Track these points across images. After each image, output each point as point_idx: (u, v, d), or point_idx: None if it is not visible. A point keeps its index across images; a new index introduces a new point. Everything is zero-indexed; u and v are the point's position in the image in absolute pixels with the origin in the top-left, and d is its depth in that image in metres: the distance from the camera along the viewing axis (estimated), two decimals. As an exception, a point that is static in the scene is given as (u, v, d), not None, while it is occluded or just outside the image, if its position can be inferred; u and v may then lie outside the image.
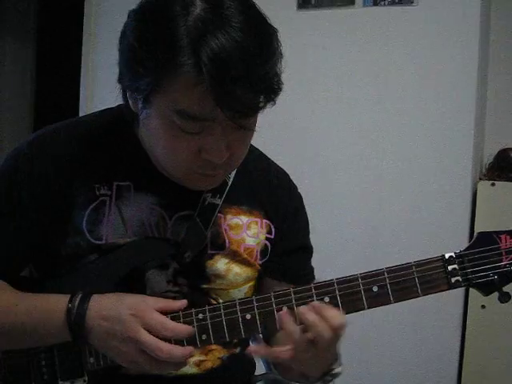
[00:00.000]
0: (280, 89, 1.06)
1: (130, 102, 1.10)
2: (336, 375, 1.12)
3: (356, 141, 2.57)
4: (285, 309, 1.05)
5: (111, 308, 1.06)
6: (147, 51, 0.99)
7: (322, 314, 1.01)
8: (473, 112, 2.44)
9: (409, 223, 2.49)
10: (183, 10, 0.98)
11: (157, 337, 1.03)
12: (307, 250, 1.36)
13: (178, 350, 1.04)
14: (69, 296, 1.09)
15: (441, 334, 2.44)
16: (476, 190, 2.45)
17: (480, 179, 2.55)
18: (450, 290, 2.38)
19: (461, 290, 2.38)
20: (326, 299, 1.04)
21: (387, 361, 2.50)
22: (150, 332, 1.03)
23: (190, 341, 1.07)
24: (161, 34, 0.98)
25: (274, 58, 1.03)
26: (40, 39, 3.82)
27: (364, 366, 2.49)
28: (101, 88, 2.89)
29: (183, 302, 1.09)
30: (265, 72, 1.00)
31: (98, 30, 2.90)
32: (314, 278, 1.34)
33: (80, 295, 1.09)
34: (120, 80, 1.11)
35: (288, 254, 1.31)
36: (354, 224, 2.56)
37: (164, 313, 1.07)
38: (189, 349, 1.05)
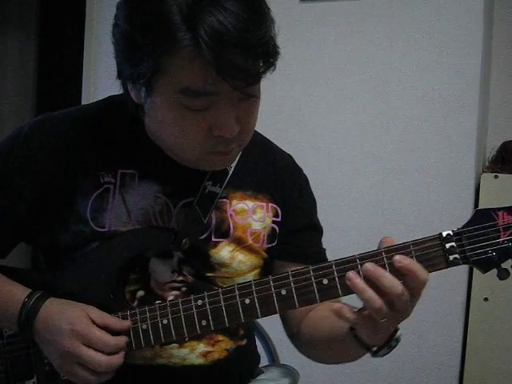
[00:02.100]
0: (277, 52, 1.06)
1: (133, 94, 1.10)
2: (399, 339, 1.09)
3: (359, 134, 2.56)
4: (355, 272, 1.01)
5: (55, 318, 1.08)
6: (142, 34, 1.00)
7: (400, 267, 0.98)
8: (476, 104, 2.43)
9: (412, 215, 2.47)
10: None
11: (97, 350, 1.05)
12: (316, 229, 1.36)
13: (115, 360, 1.06)
14: (29, 291, 1.12)
15: (443, 327, 2.42)
16: (479, 183, 2.43)
17: (483, 172, 2.53)
18: (453, 282, 2.37)
19: (464, 283, 2.38)
20: (325, 281, 1.04)
21: (388, 354, 2.48)
22: (90, 347, 1.05)
23: (190, 331, 1.09)
24: (153, 15, 0.99)
25: (267, 22, 1.03)
26: (42, 33, 3.81)
27: (365, 359, 2.47)
28: (103, 82, 2.89)
29: (126, 324, 1.10)
30: (260, 37, 1.00)
31: (100, 24, 2.89)
32: (326, 259, 1.32)
33: (38, 293, 1.11)
34: (119, 74, 1.11)
35: (296, 234, 1.31)
36: (357, 218, 2.55)
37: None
38: (123, 354, 1.08)
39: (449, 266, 1.01)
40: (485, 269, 1.01)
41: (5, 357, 1.16)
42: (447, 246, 1.01)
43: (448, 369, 2.41)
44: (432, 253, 1.01)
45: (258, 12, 1.01)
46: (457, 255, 1.01)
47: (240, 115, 1.07)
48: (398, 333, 1.09)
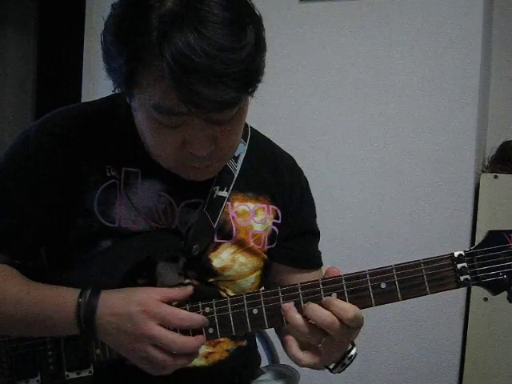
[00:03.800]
0: (257, 81, 1.00)
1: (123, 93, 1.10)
2: (353, 357, 1.12)
3: (358, 134, 2.56)
4: (292, 303, 1.05)
5: (121, 305, 1.07)
6: (118, 46, 0.99)
7: (332, 309, 1.02)
8: (475, 104, 2.43)
9: (411, 216, 2.48)
10: (157, 2, 0.95)
11: (170, 329, 1.05)
12: (313, 233, 1.37)
13: (191, 341, 1.06)
14: (78, 290, 1.10)
15: (443, 327, 2.44)
16: (479, 183, 2.44)
17: (483, 172, 2.54)
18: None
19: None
20: (334, 295, 1.05)
21: (388, 354, 2.50)
22: (163, 325, 1.05)
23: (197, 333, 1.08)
24: (132, 28, 0.97)
25: (247, 50, 0.96)
26: (41, 31, 3.80)
27: (365, 358, 2.50)
28: (103, 81, 2.83)
29: (189, 290, 1.11)
30: (232, 66, 0.94)
31: (100, 24, 2.81)
32: (321, 263, 1.35)
33: (90, 290, 1.10)
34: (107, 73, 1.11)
35: (295, 238, 1.31)
36: (356, 217, 2.56)
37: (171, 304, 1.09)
38: (201, 338, 1.07)
39: (459, 287, 1.03)
40: (495, 291, 1.02)
41: (10, 354, 1.16)
42: (459, 266, 1.02)
43: (448, 368, 2.43)
44: (443, 272, 1.03)
45: (238, 40, 0.95)
46: (468, 276, 1.02)
47: (217, 135, 1.04)
48: (353, 351, 1.12)
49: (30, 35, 3.73)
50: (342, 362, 1.11)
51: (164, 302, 1.07)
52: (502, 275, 1.00)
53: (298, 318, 1.03)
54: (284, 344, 1.08)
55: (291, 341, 1.06)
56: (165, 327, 1.05)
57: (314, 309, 1.03)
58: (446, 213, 2.43)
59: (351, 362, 1.12)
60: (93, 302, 1.08)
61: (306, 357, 1.05)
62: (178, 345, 1.04)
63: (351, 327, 1.02)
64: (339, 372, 1.13)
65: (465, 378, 2.41)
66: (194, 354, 1.08)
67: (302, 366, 1.07)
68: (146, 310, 1.05)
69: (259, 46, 1.00)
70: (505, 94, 2.72)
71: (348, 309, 1.02)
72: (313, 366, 1.09)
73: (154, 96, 0.98)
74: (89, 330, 1.08)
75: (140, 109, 1.05)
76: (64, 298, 1.11)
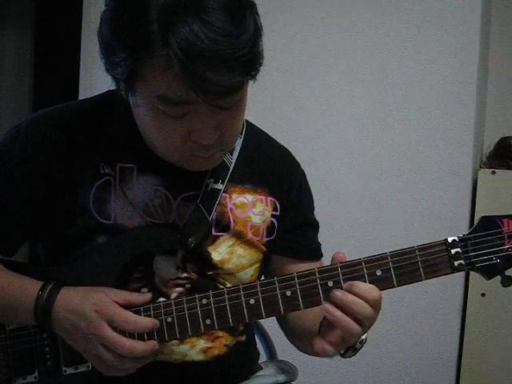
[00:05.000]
0: (259, 64, 1.03)
1: (122, 91, 1.10)
2: (364, 341, 1.14)
3: (356, 130, 2.56)
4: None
5: (77, 302, 1.09)
6: (119, 40, 0.99)
7: (356, 293, 1.03)
8: (473, 100, 2.43)
9: (410, 211, 2.48)
10: None
11: (121, 332, 1.06)
12: (313, 225, 1.38)
13: (139, 346, 1.06)
14: (41, 283, 1.12)
15: (441, 323, 2.44)
16: (476, 179, 2.44)
17: (480, 167, 2.54)
18: (451, 278, 2.38)
19: (461, 278, 2.39)
20: (330, 283, 1.05)
21: (386, 349, 2.49)
22: (114, 327, 1.06)
23: (194, 330, 1.09)
24: (132, 22, 0.97)
25: (248, 35, 0.99)
26: (39, 28, 3.79)
27: (362, 353, 2.49)
28: (100, 79, 2.83)
29: (148, 296, 1.12)
30: (236, 50, 0.96)
31: (98, 19, 2.83)
32: (321, 254, 1.36)
33: (51, 284, 1.12)
34: (107, 71, 1.11)
35: (295, 230, 1.32)
36: (354, 213, 2.56)
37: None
38: (151, 344, 1.08)
39: (454, 272, 1.03)
40: (489, 275, 1.03)
41: (7, 351, 1.16)
42: (452, 251, 1.03)
43: (445, 363, 2.43)
44: (437, 258, 1.03)
45: (239, 24, 0.97)
46: (462, 261, 1.03)
47: (221, 122, 1.06)
48: (364, 336, 1.12)
49: (27, 33, 3.73)
50: (353, 347, 1.13)
51: (121, 305, 1.09)
52: (496, 259, 1.01)
53: (340, 315, 1.04)
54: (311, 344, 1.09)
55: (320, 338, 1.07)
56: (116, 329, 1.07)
57: (341, 296, 1.04)
58: (444, 208, 2.43)
59: (362, 346, 1.14)
60: (52, 296, 1.10)
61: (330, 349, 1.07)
62: (125, 348, 1.05)
63: (376, 309, 1.05)
64: (350, 357, 1.15)
65: (462, 373, 2.41)
66: (144, 358, 1.08)
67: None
68: (99, 311, 1.06)
69: (258, 30, 1.02)
70: (502, 90, 2.72)
71: (371, 289, 1.04)
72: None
73: (160, 87, 0.99)
74: (44, 322, 1.10)
75: (143, 103, 1.05)
76: (26, 289, 1.13)
